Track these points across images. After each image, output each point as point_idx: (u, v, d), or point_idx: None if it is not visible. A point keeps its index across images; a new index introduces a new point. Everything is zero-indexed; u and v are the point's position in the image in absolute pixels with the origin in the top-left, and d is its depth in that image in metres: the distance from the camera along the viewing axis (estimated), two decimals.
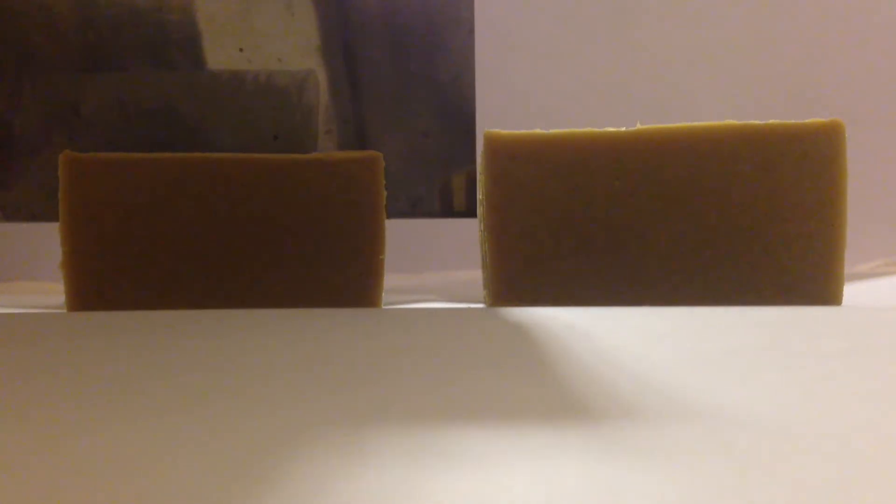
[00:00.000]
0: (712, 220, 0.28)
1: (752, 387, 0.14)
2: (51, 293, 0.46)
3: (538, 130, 0.28)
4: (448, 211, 0.30)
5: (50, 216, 0.27)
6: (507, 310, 0.26)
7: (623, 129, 0.28)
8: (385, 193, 0.28)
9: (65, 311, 0.27)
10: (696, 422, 0.12)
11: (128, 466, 0.10)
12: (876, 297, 0.35)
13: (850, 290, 0.32)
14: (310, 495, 0.09)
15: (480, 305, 0.31)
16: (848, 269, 0.28)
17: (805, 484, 0.09)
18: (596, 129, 0.28)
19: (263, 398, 0.13)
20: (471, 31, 0.30)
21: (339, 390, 0.14)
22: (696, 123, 0.28)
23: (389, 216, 0.30)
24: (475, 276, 0.36)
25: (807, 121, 0.28)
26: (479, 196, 0.29)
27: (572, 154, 0.28)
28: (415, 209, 0.30)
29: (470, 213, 0.31)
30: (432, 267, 0.60)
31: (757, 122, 0.28)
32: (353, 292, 0.28)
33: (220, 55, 0.29)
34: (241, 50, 0.29)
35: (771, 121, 0.28)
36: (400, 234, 0.36)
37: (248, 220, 0.27)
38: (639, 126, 0.28)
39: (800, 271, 0.27)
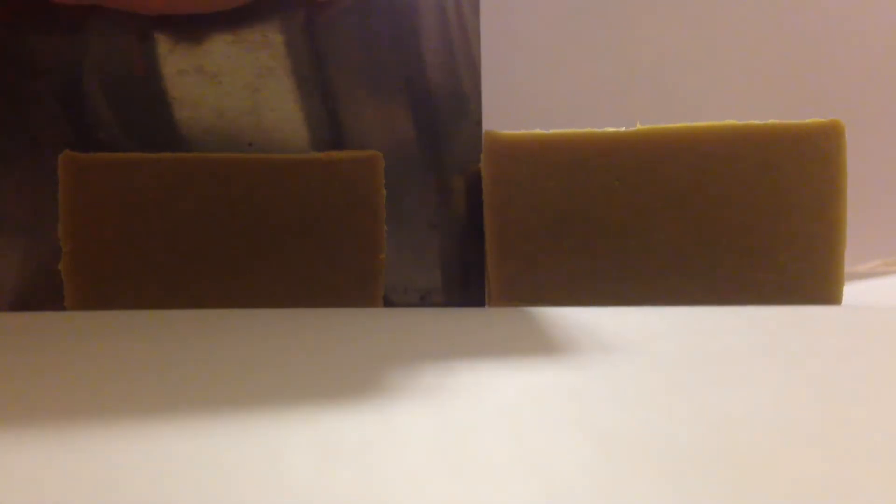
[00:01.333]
0: (712, 219, 0.28)
1: (751, 386, 0.14)
2: None
3: (538, 130, 0.28)
4: (458, 301, 0.31)
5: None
6: (507, 310, 0.26)
7: (623, 129, 0.28)
8: (385, 193, 0.28)
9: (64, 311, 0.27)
10: (695, 422, 0.12)
11: (128, 467, 0.10)
12: (876, 297, 0.35)
13: (850, 290, 0.32)
14: (307, 495, 0.09)
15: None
16: (848, 269, 0.28)
17: (805, 484, 0.09)
18: (596, 129, 0.28)
19: (263, 398, 0.13)
20: (478, 124, 0.30)
21: (339, 390, 0.14)
22: (696, 123, 0.28)
23: (398, 305, 0.30)
24: None
25: (807, 121, 0.28)
26: (480, 196, 0.29)
27: (572, 154, 0.28)
28: (423, 301, 0.30)
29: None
30: None
31: (757, 122, 0.28)
32: (353, 292, 0.28)
33: (229, 151, 0.29)
34: (249, 144, 0.29)
35: (771, 121, 0.28)
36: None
37: (248, 219, 0.27)
38: (639, 126, 0.28)
39: (800, 271, 0.27)
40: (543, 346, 0.18)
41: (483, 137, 0.28)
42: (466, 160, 0.30)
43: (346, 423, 0.12)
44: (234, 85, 0.29)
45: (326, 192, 0.27)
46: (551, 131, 0.28)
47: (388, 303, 0.29)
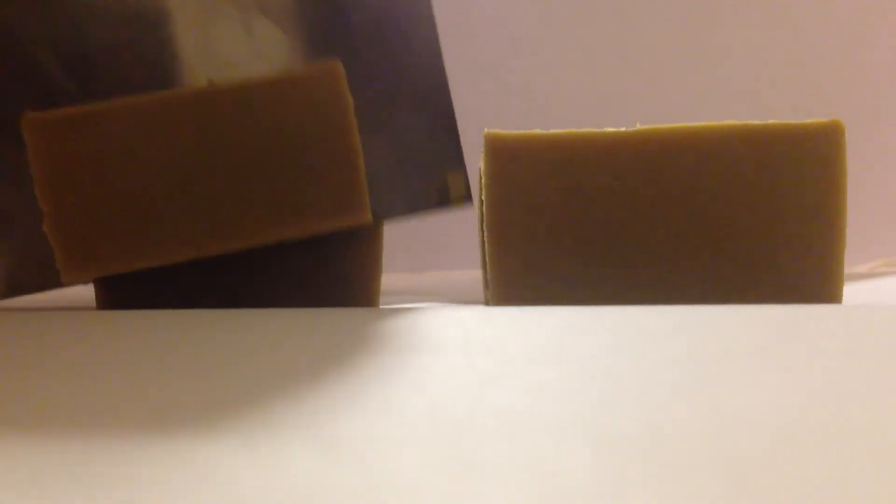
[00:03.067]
0: (712, 220, 0.28)
1: (751, 386, 0.14)
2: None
3: (538, 130, 0.28)
4: (446, 201, 0.30)
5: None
6: (506, 310, 0.26)
7: (623, 129, 0.28)
8: (351, 100, 0.27)
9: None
10: (695, 422, 0.12)
11: (128, 466, 0.10)
12: (876, 297, 0.35)
13: (850, 290, 0.32)
14: (307, 496, 0.09)
15: (480, 305, 0.31)
16: (848, 269, 0.28)
17: (805, 484, 0.09)
18: (596, 129, 0.28)
19: (263, 398, 0.13)
20: (454, 126, 0.30)
21: (338, 390, 0.14)
22: (696, 123, 0.28)
23: (387, 218, 0.30)
24: (475, 276, 0.36)
25: (807, 121, 0.28)
26: (480, 196, 0.29)
27: (572, 154, 0.28)
28: (409, 207, 0.30)
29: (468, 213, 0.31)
30: (432, 266, 0.60)
31: (757, 122, 0.28)
32: (338, 208, 0.27)
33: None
34: (210, 82, 0.29)
35: (771, 121, 0.28)
36: (400, 233, 0.36)
37: (221, 151, 0.27)
38: (639, 126, 0.28)
39: (800, 271, 0.27)
40: (543, 346, 0.18)
41: (483, 137, 0.28)
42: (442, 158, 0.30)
43: (346, 423, 0.12)
44: (185, 25, 0.29)
45: (293, 110, 0.27)
46: (551, 131, 0.28)
47: (375, 215, 0.29)
